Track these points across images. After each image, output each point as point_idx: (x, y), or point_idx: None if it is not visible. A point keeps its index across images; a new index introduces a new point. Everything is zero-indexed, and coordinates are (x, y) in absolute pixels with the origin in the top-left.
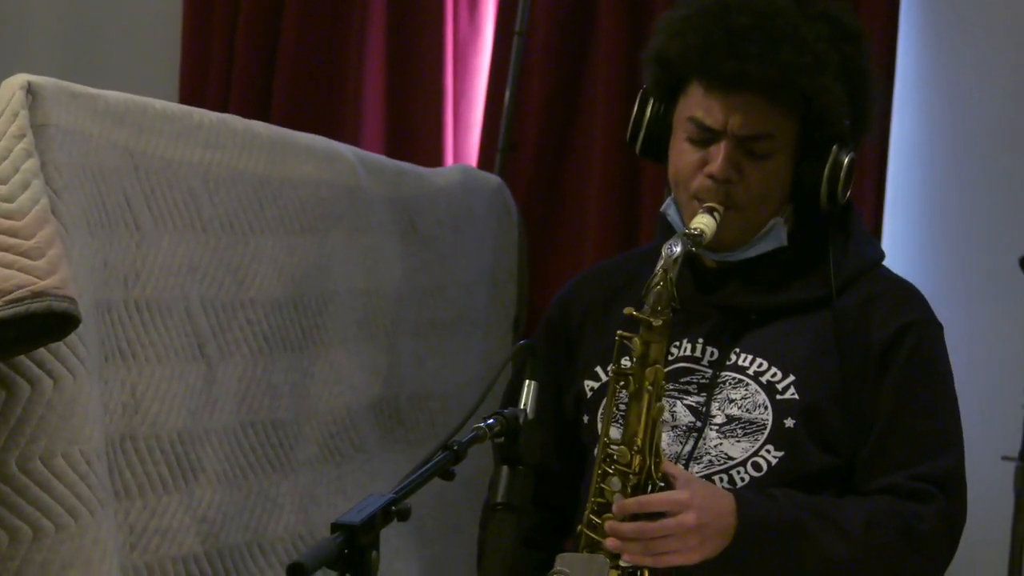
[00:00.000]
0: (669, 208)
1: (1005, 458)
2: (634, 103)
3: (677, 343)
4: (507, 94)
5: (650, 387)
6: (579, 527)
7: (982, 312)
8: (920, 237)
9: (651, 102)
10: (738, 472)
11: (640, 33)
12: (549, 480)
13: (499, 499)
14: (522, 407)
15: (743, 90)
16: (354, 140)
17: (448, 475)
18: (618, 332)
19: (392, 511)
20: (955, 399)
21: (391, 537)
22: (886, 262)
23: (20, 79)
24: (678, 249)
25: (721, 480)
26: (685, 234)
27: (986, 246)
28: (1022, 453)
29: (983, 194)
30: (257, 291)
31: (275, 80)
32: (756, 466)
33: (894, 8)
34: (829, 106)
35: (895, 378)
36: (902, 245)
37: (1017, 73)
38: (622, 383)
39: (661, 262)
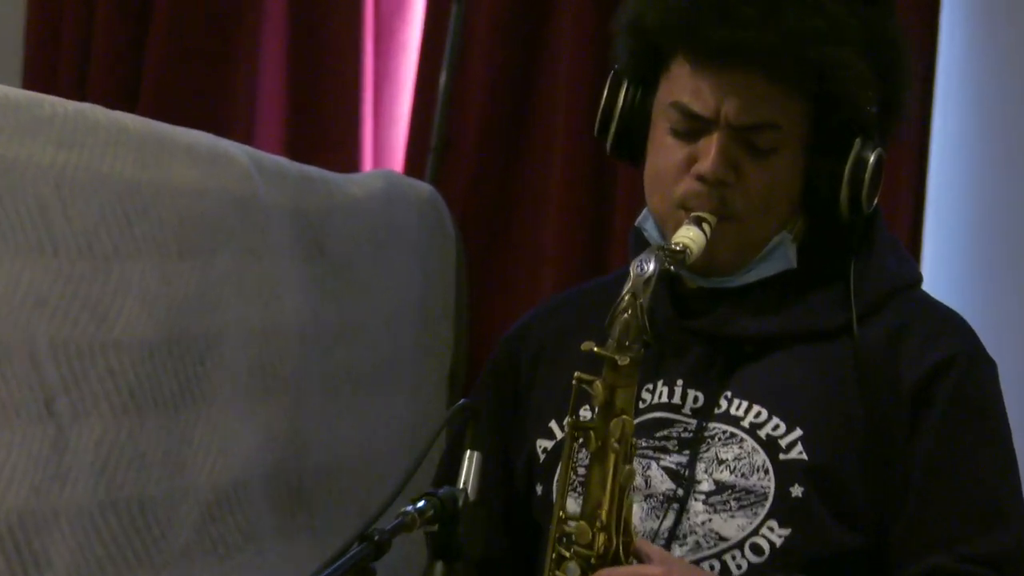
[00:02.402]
0: (646, 221)
1: None
2: (604, 87)
3: (650, 386)
4: (442, 78)
5: (617, 444)
6: None
7: None
8: (969, 258)
9: (625, 85)
10: (733, 557)
11: None
12: (496, 569)
13: None
14: (461, 486)
15: (739, 65)
16: (246, 137)
17: (367, 573)
18: (576, 374)
19: None
20: (1013, 453)
21: None
22: (925, 288)
23: None
24: (651, 267)
25: (713, 568)
26: (662, 248)
27: None
28: None
29: None
30: (122, 331)
31: (145, 59)
32: (756, 548)
33: None
34: (848, 85)
35: (934, 428)
36: (947, 268)
37: None
38: (581, 440)
39: (629, 284)
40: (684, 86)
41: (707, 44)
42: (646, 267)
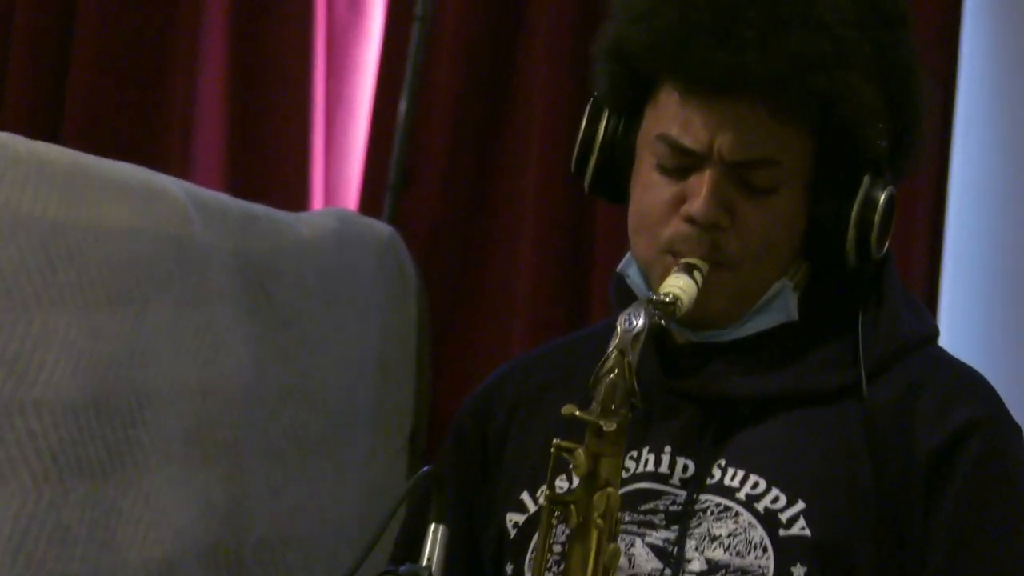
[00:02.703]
0: (629, 267)
1: None
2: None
3: (635, 453)
4: (402, 104)
5: (600, 520)
6: None
7: None
8: (991, 310)
9: (605, 115)
10: None
11: (592, 17)
12: None
13: None
14: (425, 563)
15: (736, 94)
16: (182, 171)
17: None
18: (555, 442)
19: None
20: None
21: None
22: (942, 344)
23: None
24: (639, 322)
25: None
26: (651, 301)
27: None
28: None
29: None
30: (43, 389)
31: (69, 83)
32: None
33: None
34: (857, 115)
35: (955, 501)
36: (966, 321)
37: None
38: (559, 515)
39: (616, 340)
40: (672, 117)
41: (701, 70)
42: (634, 322)
